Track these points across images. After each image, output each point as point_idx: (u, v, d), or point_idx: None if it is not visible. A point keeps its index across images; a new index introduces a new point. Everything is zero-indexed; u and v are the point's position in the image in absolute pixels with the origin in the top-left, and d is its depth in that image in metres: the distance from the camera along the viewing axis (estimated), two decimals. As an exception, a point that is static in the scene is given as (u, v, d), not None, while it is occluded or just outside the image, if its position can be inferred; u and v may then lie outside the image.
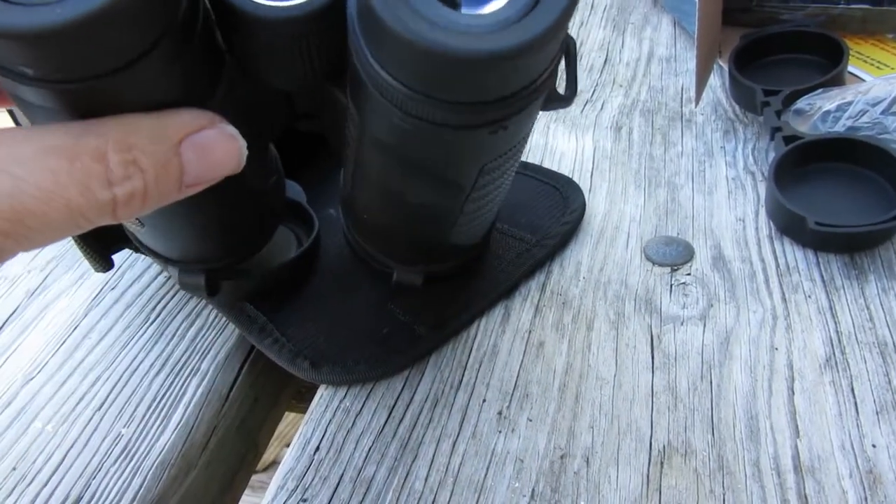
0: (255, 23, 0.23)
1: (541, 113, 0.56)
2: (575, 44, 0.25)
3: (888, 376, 0.35)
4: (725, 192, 0.47)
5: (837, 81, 0.48)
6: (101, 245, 0.38)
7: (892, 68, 0.52)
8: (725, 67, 0.54)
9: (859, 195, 0.43)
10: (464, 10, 0.20)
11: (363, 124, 0.26)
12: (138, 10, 0.19)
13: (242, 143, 0.24)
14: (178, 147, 0.22)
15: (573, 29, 0.69)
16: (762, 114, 0.48)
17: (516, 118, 0.23)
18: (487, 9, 0.20)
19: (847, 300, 0.39)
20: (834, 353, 0.36)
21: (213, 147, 0.23)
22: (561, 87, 0.25)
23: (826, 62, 0.51)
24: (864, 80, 0.51)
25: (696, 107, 0.54)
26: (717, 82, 0.56)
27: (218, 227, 0.35)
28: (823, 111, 0.45)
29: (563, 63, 0.25)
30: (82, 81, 0.20)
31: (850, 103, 0.44)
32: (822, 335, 0.37)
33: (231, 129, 0.23)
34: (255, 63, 0.25)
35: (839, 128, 0.44)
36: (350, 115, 0.27)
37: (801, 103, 0.46)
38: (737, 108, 0.53)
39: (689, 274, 0.41)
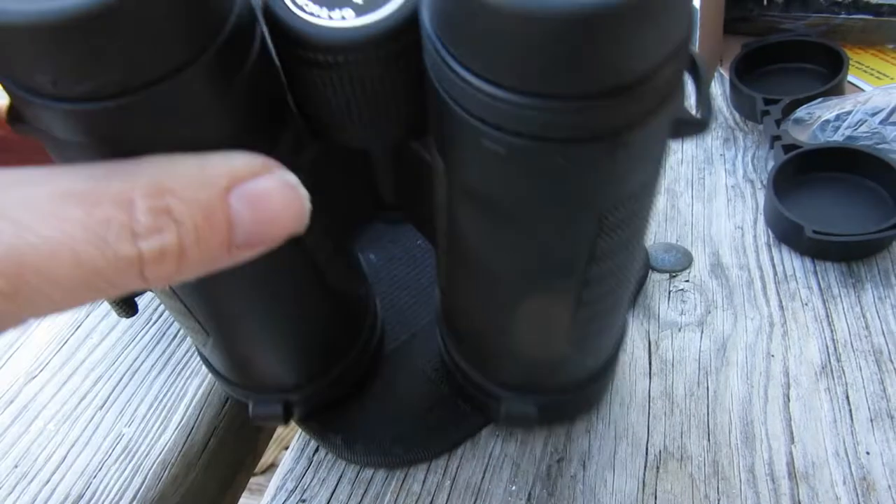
0: (320, 47, 0.19)
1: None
2: (703, 60, 0.21)
3: (883, 384, 0.35)
4: (724, 199, 0.47)
5: (837, 91, 0.48)
6: None
7: (892, 78, 0.52)
8: (726, 76, 0.54)
9: (857, 204, 0.43)
10: None
11: (450, 172, 0.22)
12: (174, 6, 0.17)
13: (305, 195, 0.19)
14: (225, 195, 0.18)
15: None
16: (762, 122, 0.48)
17: (637, 133, 0.18)
18: None
19: (843, 308, 0.39)
20: (830, 361, 0.37)
21: (269, 198, 0.18)
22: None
23: (826, 72, 0.51)
24: (863, 90, 0.51)
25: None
26: (718, 90, 0.57)
27: (299, 341, 0.30)
28: (822, 120, 0.45)
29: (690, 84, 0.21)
30: (111, 98, 0.17)
31: (849, 113, 0.44)
32: (819, 343, 0.38)
33: (291, 178, 0.19)
34: (318, 104, 0.22)
35: (838, 137, 0.44)
36: (437, 174, 0.23)
37: (801, 112, 0.46)
38: (737, 116, 0.53)
39: (687, 280, 0.42)
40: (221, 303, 0.26)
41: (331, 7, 0.19)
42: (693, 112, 0.21)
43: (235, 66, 0.19)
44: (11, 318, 0.16)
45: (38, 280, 0.15)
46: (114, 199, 0.16)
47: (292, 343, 0.30)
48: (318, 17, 0.19)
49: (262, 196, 0.18)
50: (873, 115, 0.43)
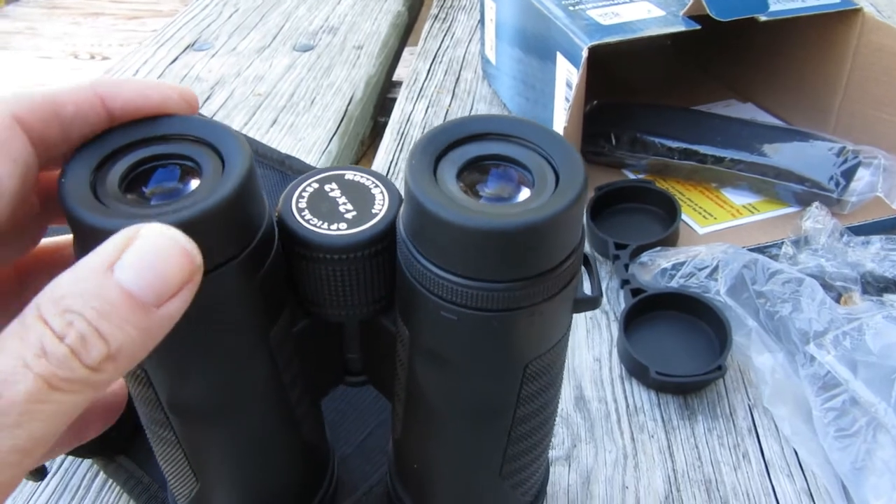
0: (321, 249, 0.27)
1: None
2: (594, 258, 0.28)
3: (712, 511, 0.44)
4: (584, 331, 0.54)
5: (674, 235, 0.58)
6: None
7: (715, 217, 0.62)
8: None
9: (691, 341, 0.52)
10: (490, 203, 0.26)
11: (412, 336, 0.29)
12: (226, 221, 0.24)
13: (177, 236, 0.22)
14: (107, 273, 0.21)
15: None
16: (614, 263, 0.57)
17: (548, 305, 0.26)
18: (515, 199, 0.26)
19: (681, 439, 0.47)
20: (671, 491, 0.44)
21: (145, 255, 0.21)
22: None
23: (664, 214, 0.60)
24: (694, 230, 0.61)
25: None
26: (576, 219, 0.65)
27: (274, 489, 0.35)
28: (661, 268, 0.54)
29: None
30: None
31: (682, 263, 0.53)
32: (663, 474, 0.45)
33: (157, 228, 0.22)
34: (314, 288, 0.29)
35: (674, 283, 0.53)
36: (400, 338, 0.30)
37: (644, 258, 0.55)
38: (594, 250, 0.61)
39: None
40: (212, 442, 0.32)
41: (330, 222, 0.28)
42: (588, 293, 0.30)
43: (259, 265, 0.27)
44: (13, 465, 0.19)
45: (9, 407, 0.19)
46: (34, 322, 0.20)
47: (268, 492, 0.34)
48: (321, 228, 0.28)
49: (138, 256, 0.21)
50: (701, 269, 0.52)
